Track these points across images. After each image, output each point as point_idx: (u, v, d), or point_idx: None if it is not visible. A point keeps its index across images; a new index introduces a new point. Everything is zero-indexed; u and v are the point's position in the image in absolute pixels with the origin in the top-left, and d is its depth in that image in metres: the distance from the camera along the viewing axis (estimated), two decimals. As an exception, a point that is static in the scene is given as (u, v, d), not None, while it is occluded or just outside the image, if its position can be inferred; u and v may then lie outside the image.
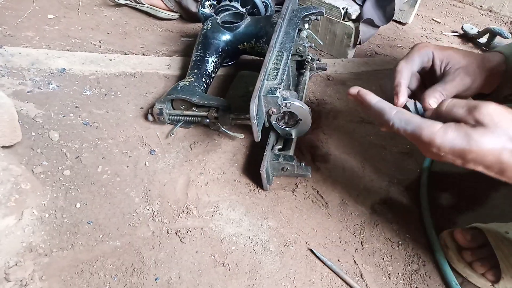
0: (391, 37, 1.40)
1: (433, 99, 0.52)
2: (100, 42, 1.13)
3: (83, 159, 0.78)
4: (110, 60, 1.02)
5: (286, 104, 0.69)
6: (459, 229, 0.68)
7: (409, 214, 0.76)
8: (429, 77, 0.61)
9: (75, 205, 0.71)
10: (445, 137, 0.43)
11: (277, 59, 0.73)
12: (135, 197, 0.74)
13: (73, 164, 0.77)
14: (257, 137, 0.66)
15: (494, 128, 0.42)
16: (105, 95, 0.94)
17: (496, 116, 0.42)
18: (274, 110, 0.68)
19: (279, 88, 0.67)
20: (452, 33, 1.46)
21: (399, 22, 1.45)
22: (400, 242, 0.71)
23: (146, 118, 0.87)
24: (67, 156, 0.78)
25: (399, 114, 0.48)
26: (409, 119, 0.47)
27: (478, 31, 1.38)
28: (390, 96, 0.55)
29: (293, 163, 0.75)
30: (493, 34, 1.32)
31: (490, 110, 0.42)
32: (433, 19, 1.53)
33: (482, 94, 0.61)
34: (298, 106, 0.71)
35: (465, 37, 1.43)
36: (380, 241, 0.71)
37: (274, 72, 0.70)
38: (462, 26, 1.43)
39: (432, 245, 0.70)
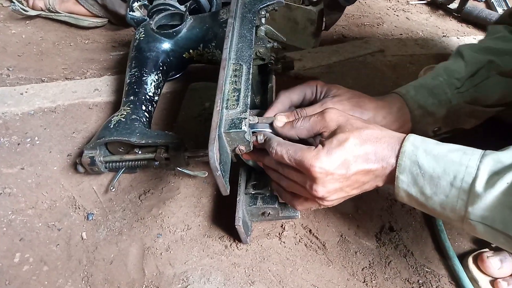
0: (356, 15, 1.24)
1: (280, 117, 0.53)
2: (8, 69, 0.90)
3: (-9, 249, 0.58)
4: (22, 94, 0.80)
5: (257, 137, 0.52)
6: (484, 254, 0.57)
7: (421, 238, 0.62)
8: None
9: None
10: (323, 152, 0.44)
11: (235, 76, 0.55)
12: (72, 291, 0.54)
13: (-23, 259, 0.57)
14: (225, 190, 0.48)
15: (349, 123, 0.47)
16: (18, 144, 0.72)
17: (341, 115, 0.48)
18: (242, 148, 0.51)
19: (245, 118, 0.49)
20: (419, 1, 1.33)
21: (362, -4, 1.30)
22: (420, 281, 0.57)
23: (76, 169, 0.67)
24: (-34, 250, 0.57)
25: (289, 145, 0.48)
26: (296, 146, 0.47)
27: (448, -4, 1.25)
28: None
29: (276, 206, 0.58)
30: (465, -2, 1.19)
31: (333, 114, 0.48)
32: (396, -12, 1.40)
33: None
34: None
35: (434, 4, 1.31)
36: (397, 284, 0.57)
37: (234, 96, 0.52)
38: (429, -8, 1.30)
39: (459, 280, 0.57)
